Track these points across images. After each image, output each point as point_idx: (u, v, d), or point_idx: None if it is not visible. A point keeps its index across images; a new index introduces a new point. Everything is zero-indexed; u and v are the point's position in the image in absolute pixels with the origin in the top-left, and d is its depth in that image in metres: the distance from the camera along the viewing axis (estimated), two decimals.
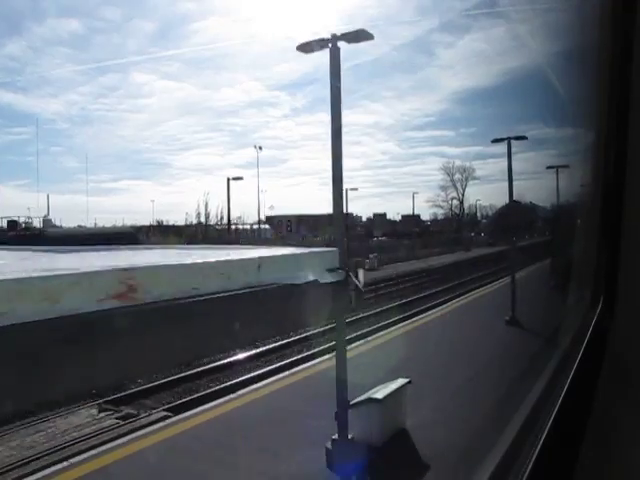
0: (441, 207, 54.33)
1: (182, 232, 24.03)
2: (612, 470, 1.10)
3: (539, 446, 1.00)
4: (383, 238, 46.00)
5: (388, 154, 74.81)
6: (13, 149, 59.78)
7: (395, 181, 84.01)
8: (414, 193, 39.30)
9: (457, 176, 53.64)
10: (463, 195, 54.43)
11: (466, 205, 56.47)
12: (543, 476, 0.95)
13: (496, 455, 1.12)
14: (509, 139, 11.74)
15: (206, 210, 25.25)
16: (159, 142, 68.18)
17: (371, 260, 27.33)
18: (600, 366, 1.41)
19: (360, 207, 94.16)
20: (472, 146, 63.05)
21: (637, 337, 1.37)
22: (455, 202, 54.82)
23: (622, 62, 1.41)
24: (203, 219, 24.84)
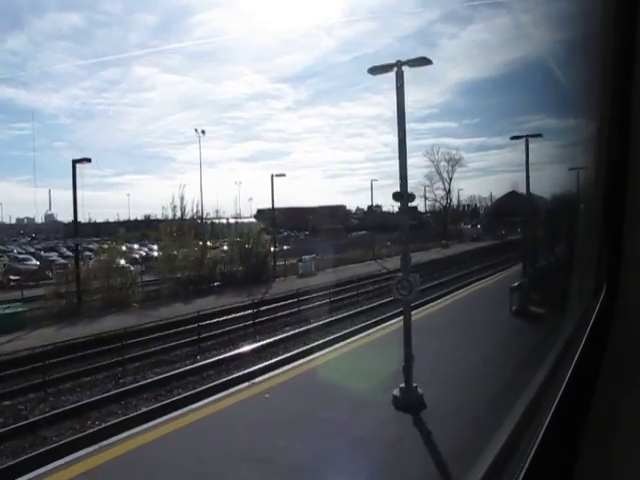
0: (426, 198, 60.98)
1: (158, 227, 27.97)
2: (616, 456, 1.37)
3: (542, 430, 1.26)
4: (363, 232, 52.37)
5: (390, 146, 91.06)
6: (16, 144, 79.07)
7: (398, 173, 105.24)
8: (372, 180, 42.19)
9: (443, 164, 60.62)
10: (450, 184, 61.10)
11: (456, 196, 64.36)
12: (546, 460, 1.19)
13: (498, 441, 1.37)
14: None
15: (182, 204, 28.42)
16: (161, 136, 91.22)
17: (305, 264, 28.34)
18: (603, 351, 1.79)
19: (362, 199, 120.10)
20: (475, 137, 79.19)
21: (639, 321, 1.77)
22: (440, 192, 61.39)
23: (625, 51, 1.78)
24: (179, 213, 28.34)
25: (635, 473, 1.30)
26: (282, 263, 29.92)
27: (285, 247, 41.42)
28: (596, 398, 1.58)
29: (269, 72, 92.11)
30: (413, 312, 13.98)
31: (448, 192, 62.45)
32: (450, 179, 61.80)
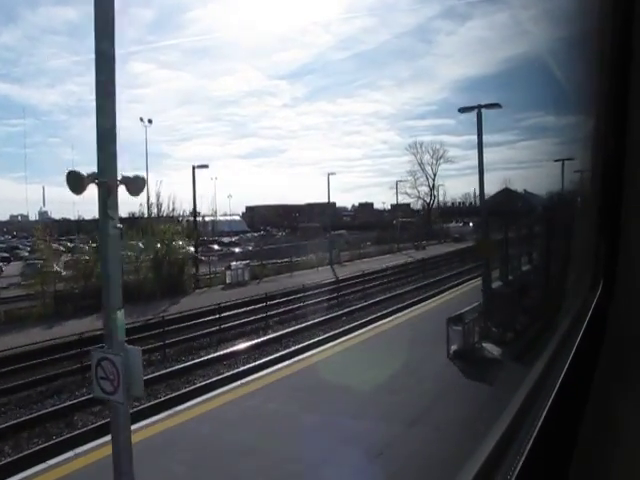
0: (408, 195, 71.36)
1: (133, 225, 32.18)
2: (612, 450, 1.71)
3: (538, 426, 1.58)
4: (342, 231, 61.72)
5: (388, 143, 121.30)
6: (11, 141, 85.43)
7: (395, 170, 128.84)
8: (329, 174, 46.71)
9: (427, 158, 70.84)
10: (434, 180, 71.11)
11: (442, 193, 74.93)
12: (542, 456, 1.49)
13: (494, 436, 1.67)
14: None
15: (158, 201, 33.27)
16: (158, 133, 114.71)
17: (234, 272, 29.87)
18: (600, 346, 2.25)
19: (360, 196, 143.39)
20: (473, 134, 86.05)
21: (635, 318, 2.22)
22: (425, 189, 71.23)
23: (624, 49, 2.23)
24: (155, 211, 32.57)
25: (632, 469, 1.62)
26: (209, 270, 30.98)
27: (249, 248, 46.01)
28: (593, 393, 1.99)
29: (266, 69, 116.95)
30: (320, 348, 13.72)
31: (432, 188, 69.53)
32: (434, 175, 70.80)
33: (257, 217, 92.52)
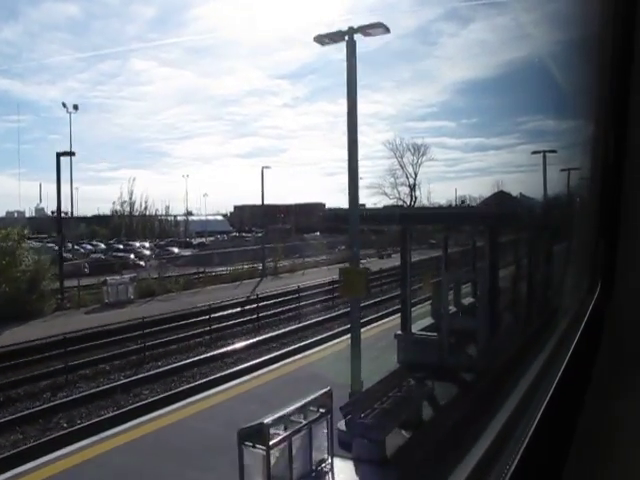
0: (387, 195, 68.82)
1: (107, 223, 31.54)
2: (608, 450, 1.94)
3: (534, 425, 1.73)
4: (317, 234, 62.97)
5: (388, 145, 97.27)
6: (9, 137, 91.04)
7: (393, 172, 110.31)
8: (263, 167, 45.50)
9: (407, 156, 68.53)
10: (415, 180, 69.07)
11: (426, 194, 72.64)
12: (537, 456, 1.65)
13: (487, 437, 1.79)
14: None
15: (131, 199, 30.20)
16: (158, 131, 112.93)
17: (113, 288, 25.55)
18: (597, 346, 2.58)
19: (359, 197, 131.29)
20: (473, 137, 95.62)
21: (633, 319, 2.61)
22: (405, 189, 69.31)
23: (625, 54, 2.53)
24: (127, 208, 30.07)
25: (628, 469, 1.81)
26: (81, 284, 26.24)
27: (201, 252, 45.62)
28: (590, 394, 2.19)
29: (267, 68, 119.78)
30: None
31: (412, 189, 68.35)
32: (416, 174, 68.88)
33: (246, 217, 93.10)
